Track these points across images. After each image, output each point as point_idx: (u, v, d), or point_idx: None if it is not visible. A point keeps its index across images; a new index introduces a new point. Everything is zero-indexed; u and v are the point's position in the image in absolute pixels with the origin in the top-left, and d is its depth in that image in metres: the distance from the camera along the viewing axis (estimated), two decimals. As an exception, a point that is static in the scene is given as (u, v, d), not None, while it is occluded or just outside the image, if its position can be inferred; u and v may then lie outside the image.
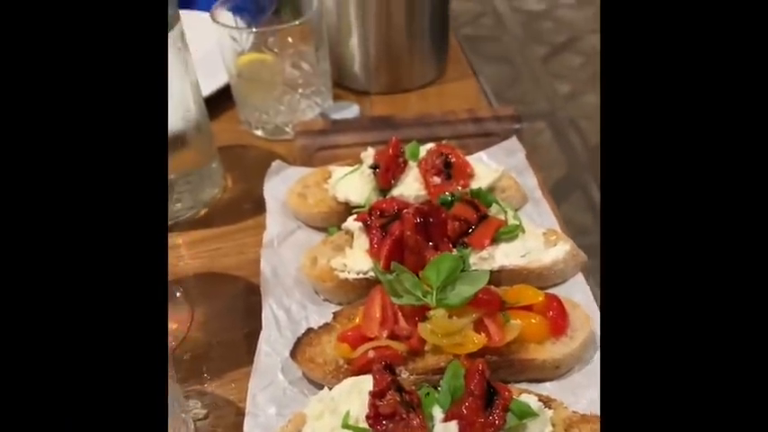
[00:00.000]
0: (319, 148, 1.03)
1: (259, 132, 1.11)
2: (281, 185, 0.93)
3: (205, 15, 1.05)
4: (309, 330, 0.73)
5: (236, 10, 1.06)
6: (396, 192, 0.87)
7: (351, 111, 1.10)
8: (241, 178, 1.03)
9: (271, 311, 0.76)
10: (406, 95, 1.20)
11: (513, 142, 0.99)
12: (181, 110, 0.88)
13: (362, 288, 0.77)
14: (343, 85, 1.21)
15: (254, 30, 1.02)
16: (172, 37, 0.84)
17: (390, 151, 0.88)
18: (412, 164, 0.90)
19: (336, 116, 1.08)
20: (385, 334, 0.68)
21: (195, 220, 0.96)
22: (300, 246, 0.85)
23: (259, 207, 0.94)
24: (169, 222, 0.94)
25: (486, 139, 1.02)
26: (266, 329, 0.74)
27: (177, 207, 0.94)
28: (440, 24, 1.19)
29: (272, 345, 0.73)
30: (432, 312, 0.68)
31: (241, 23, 1.07)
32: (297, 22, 1.00)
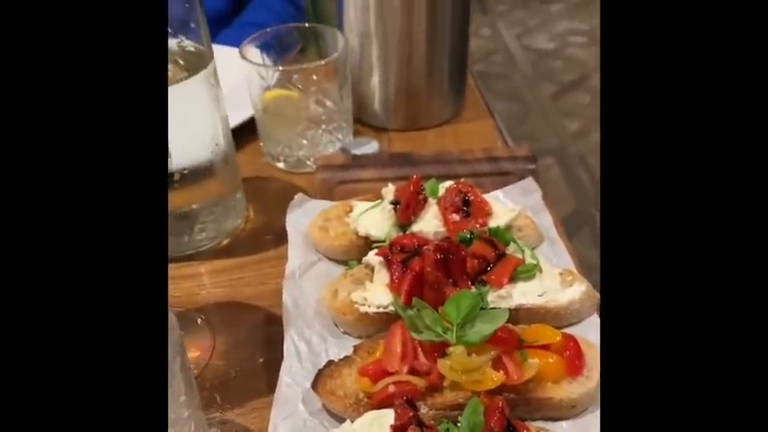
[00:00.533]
0: (339, 181, 1.06)
1: (281, 165, 1.14)
2: (302, 218, 0.95)
3: (232, 50, 1.09)
4: (330, 363, 0.74)
5: (264, 47, 1.10)
6: (415, 228, 0.89)
7: (370, 146, 1.13)
8: (262, 210, 1.05)
9: (292, 343, 0.78)
10: (423, 133, 1.23)
11: (530, 182, 1.01)
12: (211, 144, 0.92)
13: (382, 322, 0.78)
14: (362, 121, 1.25)
15: (280, 68, 1.06)
16: (205, 74, 0.87)
17: (411, 188, 0.90)
18: (431, 201, 0.92)
19: (356, 151, 1.11)
20: (405, 369, 0.69)
21: (218, 249, 0.98)
22: (321, 278, 0.87)
23: (280, 238, 0.96)
24: (192, 251, 0.97)
25: (502, 177, 1.04)
26: (287, 360, 0.76)
27: (201, 236, 0.97)
28: (458, 66, 1.23)
29: (293, 376, 0.74)
30: (451, 349, 0.69)
31: (268, 61, 1.11)
32: (323, 62, 1.04)
